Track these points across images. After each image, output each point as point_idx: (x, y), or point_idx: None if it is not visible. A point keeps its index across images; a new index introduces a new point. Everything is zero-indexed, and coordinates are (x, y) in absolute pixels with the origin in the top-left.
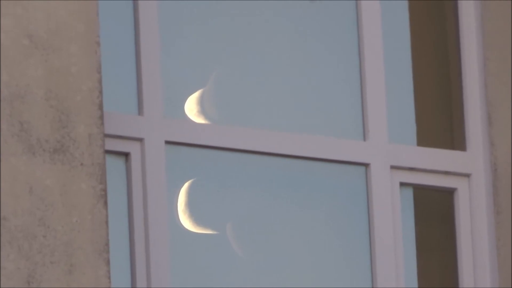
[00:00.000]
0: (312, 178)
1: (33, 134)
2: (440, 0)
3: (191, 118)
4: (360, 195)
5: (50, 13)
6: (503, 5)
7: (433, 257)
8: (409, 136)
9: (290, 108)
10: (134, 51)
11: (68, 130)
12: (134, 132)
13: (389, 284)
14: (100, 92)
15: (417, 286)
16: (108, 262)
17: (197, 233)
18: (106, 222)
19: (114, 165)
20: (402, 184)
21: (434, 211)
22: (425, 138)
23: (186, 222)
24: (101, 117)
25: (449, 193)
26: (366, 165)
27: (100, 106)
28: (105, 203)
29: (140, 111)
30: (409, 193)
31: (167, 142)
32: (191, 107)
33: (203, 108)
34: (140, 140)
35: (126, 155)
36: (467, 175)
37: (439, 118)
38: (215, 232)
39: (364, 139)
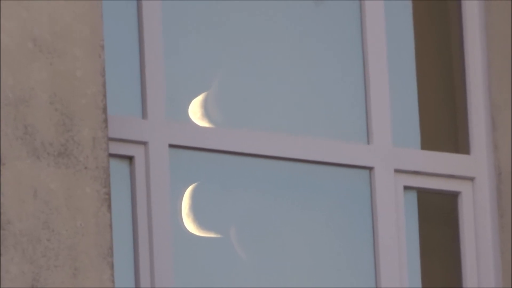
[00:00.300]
0: (316, 181)
1: (38, 138)
2: (444, 3)
3: (194, 121)
4: (364, 199)
5: (54, 16)
6: (506, 9)
7: (437, 260)
8: (413, 139)
9: (294, 111)
10: (138, 54)
11: (72, 134)
12: (138, 136)
13: (393, 286)
14: (104, 95)
15: None
16: (112, 266)
17: (200, 236)
18: (110, 226)
19: (118, 168)
20: (406, 188)
21: (438, 215)
22: (429, 141)
23: (190, 225)
24: (105, 120)
25: (453, 196)
26: (370, 168)
27: (104, 110)
28: (109, 206)
29: (144, 114)
30: (413, 196)
31: (171, 146)
32: (195, 111)
33: (206, 111)
34: (144, 143)
35: (130, 158)
36: (471, 179)
37: (443, 121)
38: (218, 236)
39: (368, 143)
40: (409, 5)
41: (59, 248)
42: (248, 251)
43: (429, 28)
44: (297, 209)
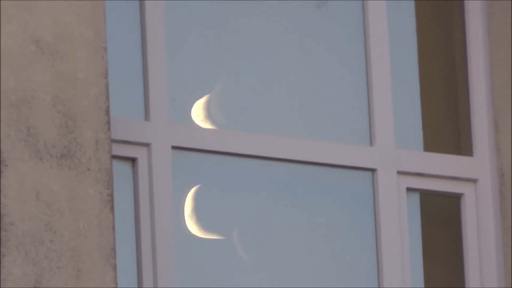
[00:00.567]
0: (318, 183)
1: (40, 140)
2: (446, 5)
3: (197, 123)
4: (367, 200)
5: (57, 18)
6: (509, 12)
7: (440, 262)
8: (415, 141)
9: (297, 113)
10: (141, 56)
11: (75, 136)
12: (141, 138)
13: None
14: (107, 97)
15: None
16: (115, 267)
17: (203, 238)
18: (113, 227)
19: (121, 170)
20: (409, 189)
21: (440, 216)
22: (432, 143)
23: (192, 227)
24: (108, 122)
25: (456, 198)
26: (373, 170)
27: (107, 112)
28: (112, 208)
29: (147, 116)
30: (415, 198)
31: (174, 147)
32: (198, 113)
33: (209, 113)
34: (147, 145)
35: (133, 160)
36: (474, 181)
37: (445, 123)
38: (221, 237)
39: (371, 145)
40: (411, 6)
41: (62, 249)
42: (251, 253)
43: (432, 30)
44: (300, 211)
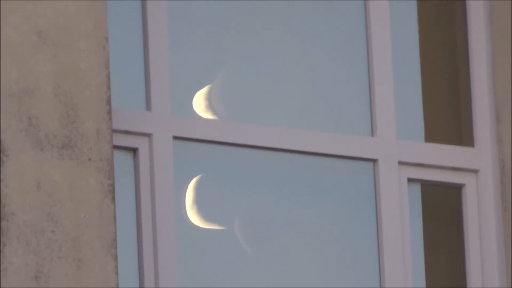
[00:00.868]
0: (320, 173)
1: (42, 130)
2: None
3: (199, 113)
4: (368, 191)
5: (59, 9)
6: (510, 1)
7: (441, 252)
8: (417, 132)
9: (298, 104)
10: (143, 47)
11: (76, 126)
12: (142, 128)
13: (396, 279)
14: (108, 87)
15: (424, 281)
16: (116, 258)
17: (204, 228)
18: (114, 218)
19: (122, 160)
20: (410, 180)
21: (441, 207)
22: (433, 134)
23: (193, 217)
24: (109, 112)
25: (457, 189)
26: (374, 161)
27: (108, 102)
28: (113, 198)
29: (148, 106)
30: (417, 189)
31: (175, 138)
32: (199, 103)
33: (210, 103)
34: (148, 135)
35: (134, 150)
36: (475, 171)
37: (447, 114)
38: (222, 228)
39: (372, 135)
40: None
41: (63, 239)
42: (251, 243)
43: (434, 21)
44: (301, 201)
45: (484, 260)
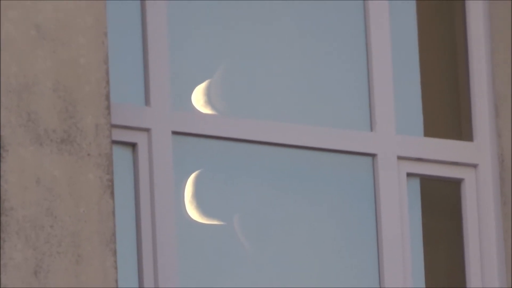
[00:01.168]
0: (319, 168)
1: (41, 125)
2: None
3: (198, 108)
4: (367, 186)
5: (58, 4)
6: None
7: (440, 246)
8: (416, 126)
9: (297, 99)
10: (142, 42)
11: (75, 121)
12: (141, 123)
13: (396, 273)
14: (107, 82)
15: (424, 276)
16: (115, 253)
17: (203, 223)
18: (113, 213)
19: (121, 155)
20: (409, 175)
21: (441, 201)
22: (432, 128)
23: (192, 212)
24: (108, 107)
25: (456, 183)
26: (373, 155)
27: (107, 97)
28: (112, 193)
29: (147, 101)
30: (416, 183)
31: (174, 133)
32: (198, 98)
33: (209, 99)
34: (147, 130)
35: (133, 145)
36: (474, 166)
37: (446, 108)
38: (221, 223)
39: (371, 130)
40: None
41: (62, 235)
42: (251, 238)
43: (433, 16)
44: (300, 196)
45: (483, 255)
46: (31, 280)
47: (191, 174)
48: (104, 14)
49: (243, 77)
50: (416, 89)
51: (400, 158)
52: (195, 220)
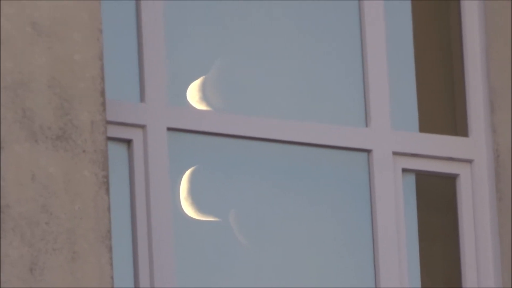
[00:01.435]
0: (314, 164)
1: (36, 121)
2: None
3: (193, 105)
4: (363, 181)
5: (53, 1)
6: None
7: (436, 242)
8: (411, 122)
9: (292, 96)
10: (137, 38)
11: (70, 117)
12: (136, 119)
13: (391, 268)
14: (103, 79)
15: (419, 271)
16: (110, 249)
17: (199, 220)
18: (109, 209)
19: (117, 152)
20: (405, 170)
21: (436, 197)
22: (428, 124)
23: (188, 209)
24: (103, 104)
25: (452, 179)
26: (368, 151)
27: (102, 93)
28: (107, 190)
29: (142, 98)
30: (411, 179)
31: (169, 129)
32: (193, 94)
33: (205, 95)
34: (142, 127)
35: (128, 142)
36: (470, 161)
37: (441, 104)
38: (217, 219)
39: (367, 125)
40: None
41: (58, 231)
42: (246, 234)
43: (428, 11)
44: (295, 192)
45: (479, 250)
46: (27, 277)
47: (186, 170)
48: (99, 10)
49: (238, 73)
50: (412, 85)
51: (395, 153)
52: (190, 217)
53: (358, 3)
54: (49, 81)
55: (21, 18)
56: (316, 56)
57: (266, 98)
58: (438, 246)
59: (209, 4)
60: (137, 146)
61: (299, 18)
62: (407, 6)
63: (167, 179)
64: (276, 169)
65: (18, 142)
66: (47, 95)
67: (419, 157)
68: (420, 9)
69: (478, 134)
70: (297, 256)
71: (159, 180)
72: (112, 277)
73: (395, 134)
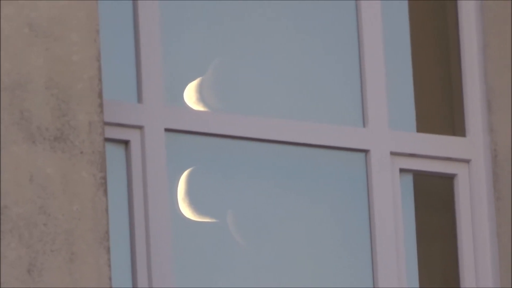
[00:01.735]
0: (312, 164)
1: (34, 123)
2: None
3: (190, 105)
4: (360, 182)
5: (51, 1)
6: None
7: (434, 242)
8: (409, 122)
9: (290, 95)
10: (134, 39)
11: (68, 118)
12: (134, 120)
13: (390, 268)
14: (100, 80)
15: (417, 271)
16: (108, 250)
17: (197, 221)
18: (107, 210)
19: (114, 153)
20: (402, 170)
21: (434, 197)
22: (425, 124)
23: (186, 210)
24: (101, 105)
25: (449, 179)
26: (366, 151)
27: (100, 94)
28: (105, 191)
29: (139, 99)
30: (409, 179)
31: (167, 130)
32: (191, 95)
33: (202, 95)
34: (140, 128)
35: (126, 143)
36: (467, 161)
37: (439, 104)
38: (215, 220)
39: (364, 126)
40: None
41: (56, 232)
42: (244, 235)
43: (425, 11)
44: (293, 192)
45: (476, 250)
46: (25, 278)
47: (184, 171)
48: (96, 11)
49: (235, 74)
50: (409, 84)
51: (393, 153)
52: (188, 218)
53: (355, 3)
54: (47, 82)
55: (19, 19)
56: (313, 56)
57: (264, 98)
58: (436, 246)
59: (206, 5)
60: (135, 147)
61: (296, 18)
62: (404, 6)
63: (165, 180)
64: (273, 169)
65: (16, 143)
66: (44, 96)
67: (416, 157)
68: (417, 9)
69: (476, 134)
70: (295, 256)
71: (157, 181)
72: (110, 278)
73: (392, 134)
